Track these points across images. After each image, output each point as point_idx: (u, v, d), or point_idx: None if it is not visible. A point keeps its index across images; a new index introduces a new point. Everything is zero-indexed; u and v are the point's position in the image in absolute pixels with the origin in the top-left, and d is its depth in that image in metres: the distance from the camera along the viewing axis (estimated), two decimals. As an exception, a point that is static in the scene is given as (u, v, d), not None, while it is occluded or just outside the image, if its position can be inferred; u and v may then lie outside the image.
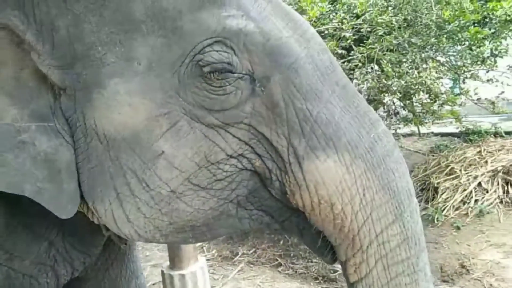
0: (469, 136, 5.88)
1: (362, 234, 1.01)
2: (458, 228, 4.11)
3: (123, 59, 1.01)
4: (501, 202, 4.27)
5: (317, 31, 3.73)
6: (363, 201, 1.00)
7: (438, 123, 5.84)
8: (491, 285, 3.28)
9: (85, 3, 1.02)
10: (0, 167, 1.01)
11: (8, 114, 1.04)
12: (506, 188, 4.40)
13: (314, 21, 4.18)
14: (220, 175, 1.03)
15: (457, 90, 4.65)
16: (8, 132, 1.03)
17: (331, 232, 1.04)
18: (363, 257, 1.02)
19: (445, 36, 3.80)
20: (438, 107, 4.30)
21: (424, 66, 3.92)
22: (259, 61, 1.00)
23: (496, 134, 5.68)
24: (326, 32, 4.07)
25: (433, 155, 5.70)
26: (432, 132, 6.47)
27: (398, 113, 4.72)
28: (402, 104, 4.77)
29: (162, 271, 3.23)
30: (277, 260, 4.18)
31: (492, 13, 3.92)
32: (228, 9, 0.99)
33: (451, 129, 6.34)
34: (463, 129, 5.97)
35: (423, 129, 6.40)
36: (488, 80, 4.18)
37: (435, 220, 4.30)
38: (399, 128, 4.92)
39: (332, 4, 4.15)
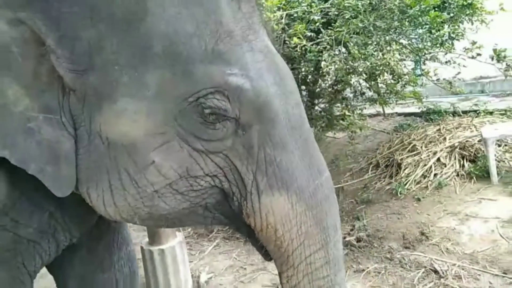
0: (429, 115, 6.22)
1: (295, 255, 1.30)
2: (419, 200, 4.41)
3: (136, 82, 1.20)
4: (457, 175, 4.60)
5: (286, 14, 3.84)
6: (299, 232, 1.29)
7: (401, 104, 6.13)
8: (447, 249, 3.60)
9: (110, 25, 1.19)
10: (11, 145, 1.20)
11: (22, 103, 1.21)
12: (462, 162, 4.73)
13: (284, 5, 4.32)
14: (196, 187, 1.28)
15: (418, 71, 4.91)
16: (20, 119, 1.21)
17: (272, 249, 1.34)
18: (294, 272, 1.32)
19: (407, 20, 4.00)
20: (401, 87, 4.54)
21: (388, 48, 4.13)
22: (247, 112, 1.23)
23: (454, 113, 6.04)
24: (295, 15, 4.21)
25: (396, 134, 6.01)
26: (396, 113, 6.79)
27: (364, 93, 4.94)
28: (367, 85, 5.00)
29: (142, 247, 3.35)
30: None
31: (450, -2, 4.17)
32: (232, 68, 1.21)
33: (413, 109, 6.66)
34: (424, 109, 6.31)
35: (388, 110, 6.71)
36: (446, 62, 4.44)
37: (398, 194, 4.59)
38: (365, 108, 5.16)
39: (301, -13, 4.27)
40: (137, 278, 2.09)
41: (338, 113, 4.95)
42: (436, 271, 3.34)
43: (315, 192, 1.31)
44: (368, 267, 3.51)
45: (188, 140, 1.23)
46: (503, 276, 3.16)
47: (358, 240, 3.92)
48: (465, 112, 6.01)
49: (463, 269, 3.31)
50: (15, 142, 1.20)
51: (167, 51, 1.19)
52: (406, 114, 6.80)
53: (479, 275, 3.23)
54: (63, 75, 1.21)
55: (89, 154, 1.26)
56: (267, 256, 1.40)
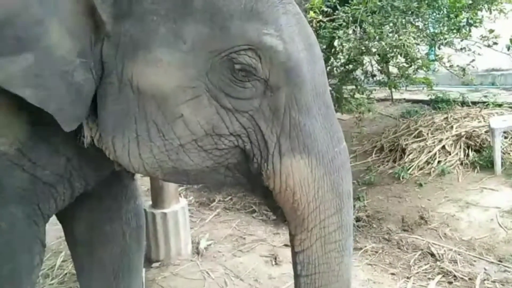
0: (438, 104, 6.17)
1: (310, 218, 1.34)
2: (420, 185, 4.43)
3: (173, 34, 1.22)
4: (461, 163, 4.60)
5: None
6: (316, 195, 1.32)
7: (410, 90, 6.09)
8: (445, 234, 3.64)
9: None
10: (39, 86, 1.21)
11: (64, 46, 1.22)
12: (467, 151, 4.73)
13: (302, -22, 4.25)
14: (220, 145, 1.30)
15: (432, 57, 4.86)
16: (59, 62, 1.22)
17: (288, 211, 1.37)
18: (308, 235, 1.35)
19: (426, 2, 3.95)
20: (413, 71, 4.50)
21: (404, 30, 4.08)
22: (276, 73, 1.25)
23: (463, 103, 5.98)
24: (313, -11, 4.14)
25: (403, 119, 5.97)
26: (404, 99, 6.74)
27: (375, 75, 4.90)
28: (379, 68, 4.96)
29: (144, 210, 3.38)
30: (251, 207, 4.42)
31: (472, -17, 4.09)
32: (268, 28, 1.23)
33: (422, 96, 6.62)
34: (433, 97, 6.26)
35: (396, 95, 6.67)
36: (461, 49, 4.39)
37: (401, 178, 4.61)
38: (375, 90, 5.13)
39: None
40: (143, 233, 2.12)
41: (347, 94, 4.93)
42: (432, 254, 3.39)
43: (334, 159, 1.34)
44: (366, 246, 3.56)
45: (217, 96, 1.25)
46: (498, 264, 3.21)
47: (358, 219, 3.96)
48: (474, 103, 5.95)
49: (459, 254, 3.36)
50: (45, 83, 1.21)
51: (207, 6, 1.21)
52: (414, 101, 6.75)
53: (475, 261, 3.28)
54: (105, 20, 1.22)
55: (118, 102, 1.28)
56: (281, 218, 1.43)
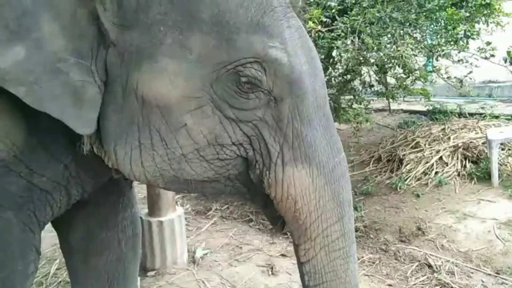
0: (435, 114, 6.23)
1: (313, 228, 1.34)
2: (418, 196, 4.44)
3: (179, 45, 1.23)
4: (458, 174, 4.62)
5: (303, -1, 3.77)
6: (317, 205, 1.33)
7: (407, 101, 6.14)
8: (442, 245, 3.63)
9: None
10: (33, 83, 1.19)
11: (56, 43, 1.21)
12: (464, 162, 4.75)
13: (301, -11, 4.28)
14: (222, 155, 1.31)
15: (429, 68, 4.89)
16: (50, 57, 1.20)
17: (289, 220, 1.37)
18: (311, 244, 1.36)
19: (424, 14, 3.98)
20: (411, 82, 4.53)
21: (402, 41, 4.10)
22: (280, 85, 1.27)
23: (460, 115, 6.04)
24: (312, 0, 4.17)
25: (400, 130, 6.01)
26: (402, 109, 6.80)
27: (372, 86, 4.92)
28: (376, 78, 4.99)
29: (141, 217, 3.36)
30: (248, 216, 4.40)
31: (469, -3, 4.14)
32: (274, 41, 1.25)
33: (419, 107, 6.68)
34: (431, 108, 6.31)
35: (394, 106, 6.72)
36: (459, 60, 4.42)
37: (398, 188, 4.61)
38: (373, 101, 5.15)
39: (319, -27, 4.23)
40: (139, 241, 2.10)
41: (345, 104, 4.94)
42: (429, 266, 3.37)
43: (334, 169, 1.35)
44: (363, 257, 3.53)
45: (221, 107, 1.26)
46: (496, 276, 3.19)
47: (355, 230, 3.92)
48: (471, 114, 6.01)
49: (456, 266, 3.34)
50: (37, 80, 1.19)
51: (215, 18, 1.22)
52: (412, 112, 6.80)
53: (472, 273, 3.26)
54: (108, 29, 1.23)
55: (121, 111, 1.28)
56: (280, 227, 1.43)
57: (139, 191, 3.84)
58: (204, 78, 1.24)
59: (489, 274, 3.21)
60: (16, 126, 1.35)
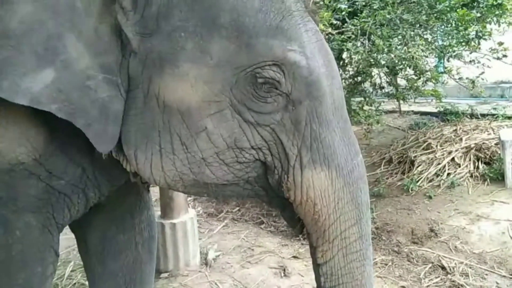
0: (447, 116, 6.18)
1: (331, 230, 1.36)
2: (430, 197, 4.40)
3: (199, 50, 1.26)
4: (471, 176, 4.57)
5: (313, 1, 3.83)
6: (336, 207, 1.34)
7: (418, 102, 6.10)
8: (455, 247, 3.60)
9: None
10: (64, 101, 1.24)
11: (83, 61, 1.25)
12: (476, 164, 4.69)
13: (311, -9, 4.30)
14: (241, 159, 1.33)
15: (441, 69, 4.86)
16: (79, 76, 1.25)
17: (308, 222, 1.38)
18: (329, 246, 1.37)
19: (435, 15, 3.98)
20: (422, 83, 4.51)
21: (413, 43, 4.10)
22: (298, 88, 1.29)
23: (472, 116, 5.98)
24: (322, 2, 4.19)
25: (412, 131, 5.97)
26: (412, 111, 6.76)
27: (383, 87, 4.91)
28: (387, 80, 4.98)
29: (154, 220, 3.41)
30: (260, 218, 4.41)
31: (480, -3, 4.11)
32: (292, 44, 1.27)
33: (430, 108, 6.63)
34: (442, 109, 6.26)
35: (404, 107, 6.68)
36: (470, 61, 4.40)
37: (410, 190, 4.57)
38: (383, 102, 5.14)
39: (329, -25, 4.24)
40: (155, 243, 2.12)
41: (355, 106, 4.94)
42: (443, 267, 3.35)
43: (353, 171, 1.36)
44: (375, 258, 3.52)
45: (240, 110, 1.29)
46: (511, 277, 3.17)
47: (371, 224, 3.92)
48: (483, 115, 5.95)
49: (470, 267, 3.32)
50: (68, 98, 1.24)
51: (234, 23, 1.24)
52: (423, 113, 6.75)
53: (486, 274, 3.24)
54: (130, 37, 1.27)
55: (143, 116, 1.31)
56: (299, 230, 1.45)
57: (152, 193, 3.87)
58: (224, 82, 1.26)
59: (504, 276, 3.19)
60: (36, 130, 1.38)
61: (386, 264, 3.46)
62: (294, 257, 3.55)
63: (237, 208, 4.66)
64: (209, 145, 1.30)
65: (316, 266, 1.42)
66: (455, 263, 3.36)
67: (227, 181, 1.36)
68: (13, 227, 1.45)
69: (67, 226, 1.75)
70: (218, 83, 1.26)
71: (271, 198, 1.44)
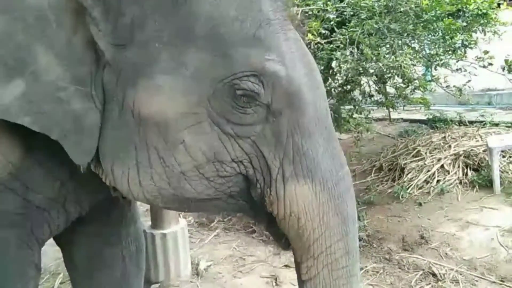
0: (435, 123, 6.25)
1: (316, 245, 1.30)
2: (420, 204, 4.44)
3: (175, 61, 1.21)
4: (460, 182, 4.62)
5: (302, 11, 3.84)
6: (321, 221, 1.29)
7: (407, 110, 6.16)
8: (446, 253, 3.63)
9: (155, 3, 1.20)
10: (37, 113, 1.21)
11: (54, 72, 1.21)
12: (465, 170, 4.75)
13: (300, 2, 4.34)
14: (222, 173, 1.27)
15: (428, 77, 4.92)
16: (50, 87, 1.21)
17: (293, 238, 1.33)
18: (314, 262, 1.32)
19: (421, 24, 4.03)
20: (411, 91, 4.56)
21: (401, 51, 4.14)
22: (278, 99, 1.24)
23: (460, 123, 6.07)
24: (310, 12, 4.23)
25: (401, 139, 6.03)
26: (402, 118, 6.82)
27: (372, 95, 4.95)
28: (376, 88, 5.02)
29: (144, 231, 3.36)
30: (251, 227, 4.40)
31: (466, 7, 4.17)
32: (270, 54, 1.23)
33: (419, 116, 6.70)
34: (431, 117, 6.34)
35: (394, 115, 6.74)
36: (457, 69, 4.46)
37: (400, 197, 4.62)
38: (373, 110, 5.18)
39: (317, -15, 4.29)
40: (143, 257, 2.10)
41: (345, 114, 4.97)
42: (434, 274, 3.37)
43: (338, 183, 1.31)
44: (366, 266, 3.53)
45: (218, 122, 1.24)
46: (500, 284, 3.19)
47: (358, 239, 3.93)
48: (471, 122, 6.04)
49: (461, 274, 3.34)
50: (40, 110, 1.21)
51: (210, 33, 1.20)
52: (412, 121, 6.83)
53: (477, 281, 3.26)
54: (103, 48, 1.22)
55: (118, 129, 1.27)
56: (285, 245, 1.40)
57: (141, 204, 3.84)
58: (201, 94, 1.22)
59: (494, 282, 3.21)
60: (11, 144, 1.36)
61: (377, 272, 3.47)
62: (286, 266, 3.54)
63: (229, 217, 4.64)
64: (188, 158, 1.24)
65: (301, 283, 1.37)
66: (446, 270, 3.39)
67: (208, 196, 1.31)
68: None
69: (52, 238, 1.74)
70: (195, 94, 1.22)
71: (256, 212, 1.39)
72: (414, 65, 4.50)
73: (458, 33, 4.21)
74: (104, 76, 1.26)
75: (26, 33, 1.17)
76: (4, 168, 1.35)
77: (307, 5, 4.24)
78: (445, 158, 4.96)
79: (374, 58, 3.93)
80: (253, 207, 1.37)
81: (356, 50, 4.17)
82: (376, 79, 4.64)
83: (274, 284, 3.31)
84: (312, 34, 3.89)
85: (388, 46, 4.08)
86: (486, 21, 4.25)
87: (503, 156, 4.75)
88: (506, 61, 4.20)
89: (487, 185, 4.46)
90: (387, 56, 4.04)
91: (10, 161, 1.36)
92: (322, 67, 4.45)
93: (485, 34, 4.40)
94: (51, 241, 1.72)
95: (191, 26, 1.21)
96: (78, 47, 1.23)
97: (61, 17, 1.21)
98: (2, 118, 1.18)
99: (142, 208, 3.79)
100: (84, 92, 1.25)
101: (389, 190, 4.87)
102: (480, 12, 4.24)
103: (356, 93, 5.02)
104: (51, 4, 1.19)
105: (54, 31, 1.20)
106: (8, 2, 1.17)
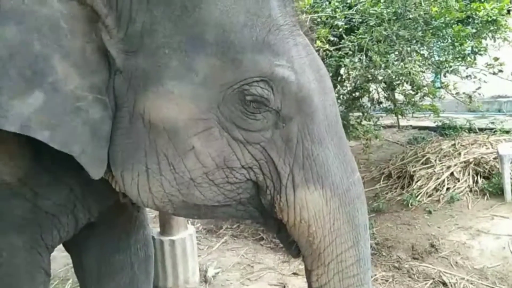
0: (445, 130, 6.20)
1: (326, 253, 1.30)
2: (430, 212, 4.39)
3: (185, 67, 1.21)
4: (470, 190, 4.57)
5: (310, 18, 3.86)
6: (332, 228, 1.29)
7: (416, 117, 6.12)
8: (456, 262, 3.58)
9: (165, 10, 1.21)
10: (57, 126, 1.19)
11: (72, 82, 1.21)
12: (476, 178, 4.70)
13: (308, 9, 4.35)
14: (231, 179, 1.28)
15: (438, 84, 4.90)
16: (69, 98, 1.20)
17: (303, 245, 1.33)
18: (325, 270, 1.31)
19: (430, 31, 4.02)
20: (420, 98, 4.54)
21: (410, 58, 4.14)
22: (288, 104, 1.25)
23: (470, 130, 6.01)
24: (319, 19, 4.24)
25: (410, 146, 5.99)
26: (411, 125, 6.78)
27: (381, 102, 4.94)
28: (385, 95, 5.01)
29: (153, 237, 3.37)
30: (259, 234, 4.39)
31: (475, 13, 4.15)
32: (280, 59, 1.23)
33: (428, 123, 6.66)
34: (440, 124, 6.29)
35: (403, 122, 6.70)
36: (467, 76, 4.43)
37: (409, 205, 4.56)
38: (381, 117, 5.16)
39: (326, -8, 4.31)
40: (152, 263, 2.10)
41: (354, 121, 4.96)
42: (444, 283, 3.33)
43: (349, 190, 1.30)
44: (375, 275, 3.49)
45: (228, 128, 1.24)
46: (512, 293, 3.14)
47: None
48: (481, 129, 5.98)
49: (471, 283, 3.29)
50: (61, 122, 1.19)
51: (219, 39, 1.20)
52: (421, 128, 6.78)
53: (488, 290, 3.21)
54: (114, 56, 1.23)
55: (128, 135, 1.27)
56: (295, 252, 1.39)
57: (150, 210, 3.85)
58: (211, 100, 1.22)
59: (506, 292, 3.16)
60: (21, 149, 1.36)
61: (386, 281, 3.43)
62: (294, 273, 3.52)
63: (237, 224, 4.64)
64: (198, 165, 1.24)
65: None
66: (456, 279, 3.34)
67: (218, 202, 1.31)
68: None
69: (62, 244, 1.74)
70: (205, 100, 1.22)
71: (266, 219, 1.39)
72: (423, 72, 4.49)
73: (467, 40, 4.19)
74: (115, 83, 1.26)
75: (42, 43, 1.17)
76: (14, 174, 1.36)
77: (316, 12, 4.26)
78: (455, 165, 4.91)
79: (383, 65, 3.93)
80: (263, 214, 1.37)
81: (364, 57, 4.17)
82: (385, 86, 4.63)
83: (282, 291, 3.29)
84: (321, 41, 3.90)
85: (397, 53, 4.07)
86: (496, 27, 4.23)
87: (514, 164, 4.69)
88: (516, 67, 4.16)
89: (498, 193, 4.40)
90: (396, 63, 4.03)
91: (20, 167, 1.37)
92: (331, 74, 4.45)
93: (495, 41, 4.37)
94: (60, 247, 1.73)
95: (200, 33, 1.21)
96: (92, 55, 1.24)
97: (74, 26, 1.21)
98: (21, 133, 1.16)
99: (150, 214, 3.81)
100: (101, 100, 1.25)
101: (398, 198, 4.82)
102: (489, 19, 4.21)
103: (365, 100, 5.01)
104: (63, 13, 1.19)
105: (68, 40, 1.20)
106: (21, 13, 1.16)
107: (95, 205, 1.59)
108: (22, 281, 1.50)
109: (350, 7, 4.15)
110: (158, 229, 3.48)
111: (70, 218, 1.53)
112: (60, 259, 3.40)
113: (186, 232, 3.47)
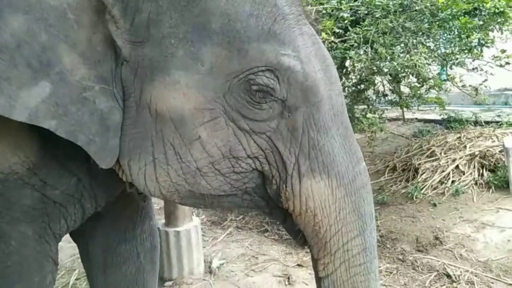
0: (450, 123, 6.19)
1: (333, 242, 1.30)
2: (434, 205, 4.39)
3: (190, 57, 1.22)
4: (475, 183, 4.56)
5: (315, 10, 3.82)
6: (338, 218, 1.29)
7: (421, 110, 6.11)
8: (461, 255, 3.58)
9: (171, 0, 1.21)
10: (63, 116, 1.20)
11: (79, 72, 1.22)
12: (481, 171, 4.69)
13: (314, 0, 4.33)
14: (237, 168, 1.28)
15: (443, 77, 4.87)
16: (76, 88, 1.21)
17: (309, 234, 1.33)
18: (331, 259, 1.32)
19: (437, 23, 3.99)
20: (425, 91, 4.52)
21: (415, 50, 4.11)
22: (294, 94, 1.25)
23: (476, 123, 5.99)
24: (324, 11, 4.21)
25: (415, 139, 5.98)
26: (416, 118, 6.77)
27: (386, 95, 4.92)
28: (390, 88, 4.99)
29: (158, 228, 3.39)
30: (264, 226, 4.41)
31: (482, 5, 4.11)
32: (286, 49, 1.23)
33: (434, 116, 6.65)
34: (446, 117, 6.27)
35: (408, 115, 6.69)
36: (473, 69, 4.40)
37: (414, 198, 4.57)
38: (387, 110, 5.14)
39: (331, -16, 4.27)
40: (158, 253, 2.12)
41: (359, 114, 4.95)
42: (448, 276, 3.33)
43: (354, 179, 1.31)
44: (380, 266, 3.49)
45: (234, 118, 1.24)
46: (517, 286, 3.14)
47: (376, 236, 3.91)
48: (487, 122, 5.96)
49: (476, 276, 3.29)
50: (67, 112, 1.20)
51: (225, 29, 1.21)
52: (426, 121, 6.77)
53: (492, 283, 3.21)
54: (121, 46, 1.23)
55: (135, 125, 1.27)
56: (302, 242, 1.39)
57: (156, 202, 3.88)
58: (217, 89, 1.23)
59: (510, 284, 3.16)
60: (29, 139, 1.36)
61: (391, 273, 3.44)
62: (299, 265, 3.54)
63: (241, 216, 4.66)
64: (204, 154, 1.25)
65: (318, 279, 1.37)
66: (461, 271, 3.34)
67: (224, 192, 1.31)
68: (8, 238, 1.44)
69: (68, 234, 1.76)
70: (211, 90, 1.22)
71: (272, 209, 1.39)
72: (429, 64, 4.46)
73: (474, 32, 4.16)
74: (122, 73, 1.27)
75: (49, 33, 1.17)
76: (23, 164, 1.37)
77: (321, 4, 4.23)
78: (460, 158, 4.90)
79: (388, 57, 3.92)
80: (269, 204, 1.37)
81: (370, 49, 4.15)
82: (390, 78, 4.62)
83: (286, 283, 3.30)
84: (326, 33, 3.88)
85: (402, 45, 4.06)
86: (503, 19, 4.19)
87: (520, 157, 4.66)
88: (523, 60, 4.12)
89: (503, 186, 4.39)
90: (401, 55, 4.01)
91: (29, 157, 1.37)
92: (336, 66, 4.42)
93: (502, 33, 4.34)
94: (67, 237, 1.75)
95: (206, 22, 1.21)
96: (98, 45, 1.24)
97: (81, 16, 1.21)
98: (28, 122, 1.17)
99: (156, 206, 3.83)
100: (108, 90, 1.26)
101: (403, 191, 4.83)
102: (497, 11, 4.17)
103: (370, 92, 5.00)
104: (70, 3, 1.20)
105: (75, 30, 1.21)
106: (28, 2, 1.17)
107: (102, 195, 1.60)
108: (31, 270, 1.51)
109: (355, -1, 4.13)
110: (163, 220, 3.50)
111: (78, 207, 1.54)
112: (67, 250, 3.43)
113: (191, 224, 3.49)
